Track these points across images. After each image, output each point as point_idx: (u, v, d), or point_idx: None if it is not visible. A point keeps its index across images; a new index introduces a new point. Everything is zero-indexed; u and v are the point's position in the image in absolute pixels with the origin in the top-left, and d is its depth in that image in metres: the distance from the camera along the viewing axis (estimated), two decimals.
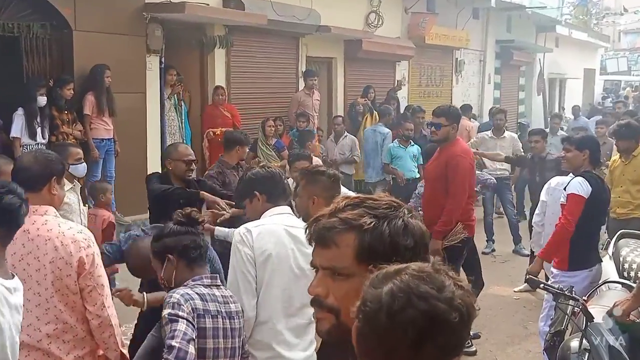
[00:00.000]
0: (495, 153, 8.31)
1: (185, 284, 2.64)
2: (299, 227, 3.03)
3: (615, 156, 6.51)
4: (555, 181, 5.69)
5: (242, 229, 2.96)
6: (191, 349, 2.43)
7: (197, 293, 2.59)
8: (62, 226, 2.76)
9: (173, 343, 2.40)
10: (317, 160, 8.80)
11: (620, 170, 6.16)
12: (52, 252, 2.69)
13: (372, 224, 1.36)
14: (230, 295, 2.73)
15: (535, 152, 7.92)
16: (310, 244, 1.43)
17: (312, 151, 8.83)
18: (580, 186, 4.54)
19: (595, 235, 4.80)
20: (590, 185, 4.55)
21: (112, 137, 7.68)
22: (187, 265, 2.72)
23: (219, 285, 2.71)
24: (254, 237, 2.92)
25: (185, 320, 2.46)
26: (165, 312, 2.48)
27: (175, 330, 2.43)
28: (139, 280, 3.83)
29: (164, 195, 4.60)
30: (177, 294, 2.54)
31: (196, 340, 2.50)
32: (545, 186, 5.80)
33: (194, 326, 2.49)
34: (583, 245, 4.62)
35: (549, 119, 13.41)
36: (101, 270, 2.78)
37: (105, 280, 2.80)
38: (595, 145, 4.81)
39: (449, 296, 1.12)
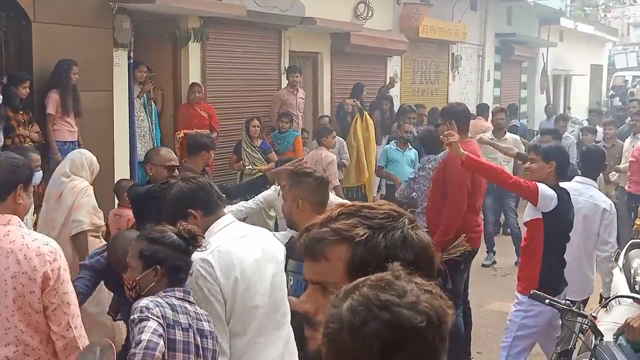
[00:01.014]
0: (507, 147, 8.31)
1: (156, 294, 2.67)
2: (252, 233, 3.07)
3: None
4: None
5: (197, 260, 2.82)
6: (161, 342, 2.46)
7: (167, 303, 2.61)
8: (27, 238, 2.76)
9: (142, 337, 2.44)
10: (330, 157, 8.86)
11: None
12: (14, 266, 2.69)
13: (366, 235, 1.35)
14: (205, 314, 2.73)
15: None
16: (302, 255, 1.43)
17: (327, 147, 8.93)
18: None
19: (562, 258, 4.69)
20: (558, 198, 4.50)
21: (76, 140, 7.65)
22: (168, 283, 2.74)
23: (192, 302, 2.72)
24: (215, 267, 2.83)
25: (155, 321, 2.51)
26: (134, 315, 2.51)
27: (145, 327, 2.47)
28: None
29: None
30: (145, 300, 2.58)
31: (166, 351, 2.51)
32: None
33: (164, 329, 2.52)
34: (554, 269, 4.58)
35: (552, 119, 13.55)
36: (68, 287, 2.79)
37: (72, 297, 2.80)
38: (563, 157, 4.73)
39: (411, 300, 1.12)
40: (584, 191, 5.39)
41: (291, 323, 3.05)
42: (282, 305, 3.04)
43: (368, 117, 10.78)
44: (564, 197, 4.57)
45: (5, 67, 7.35)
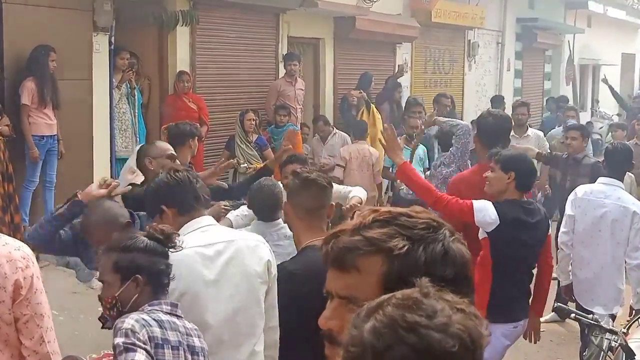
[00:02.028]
0: (526, 147, 8.29)
1: (140, 308, 2.65)
2: (224, 243, 3.06)
3: None
4: (582, 190, 5.61)
5: None
6: None
7: (154, 319, 2.60)
8: None
9: None
10: (376, 152, 8.89)
11: None
12: None
13: (406, 247, 1.34)
14: (195, 328, 2.75)
15: (571, 152, 7.65)
16: (324, 264, 1.41)
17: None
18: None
19: (519, 280, 4.54)
20: (500, 216, 4.33)
21: (53, 133, 7.63)
22: (152, 292, 2.72)
23: (180, 317, 2.72)
24: None
25: (143, 351, 2.48)
26: (119, 340, 2.49)
27: None
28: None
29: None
30: (130, 319, 2.55)
31: None
32: (570, 197, 5.67)
33: (152, 358, 2.51)
34: (508, 292, 4.43)
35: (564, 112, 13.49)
36: (41, 297, 2.78)
37: (45, 309, 2.79)
38: (524, 167, 4.49)
39: (442, 322, 1.10)
40: (610, 193, 5.38)
41: (314, 338, 3.04)
42: (249, 326, 3.07)
43: (375, 110, 10.78)
44: (514, 213, 4.38)
45: None
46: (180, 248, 2.81)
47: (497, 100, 12.69)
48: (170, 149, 4.92)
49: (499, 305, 4.26)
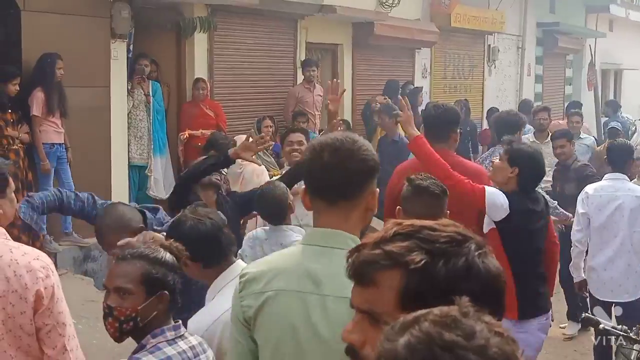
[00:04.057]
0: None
1: (144, 342, 2.59)
2: None
3: None
4: (592, 188, 5.87)
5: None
6: None
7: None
8: (15, 252, 2.76)
9: None
10: None
11: None
12: (2, 284, 2.69)
13: (423, 262, 1.32)
14: (199, 343, 2.71)
15: (564, 159, 7.67)
16: (349, 278, 1.40)
17: None
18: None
19: (538, 272, 4.50)
20: (510, 205, 4.28)
21: (62, 141, 7.64)
22: (167, 312, 2.66)
23: (182, 335, 2.67)
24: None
25: None
26: None
27: None
28: None
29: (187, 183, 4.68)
30: None
31: None
32: (581, 196, 5.91)
33: None
34: (532, 285, 4.41)
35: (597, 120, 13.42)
36: (62, 306, 2.79)
37: (67, 317, 2.80)
38: (530, 166, 4.40)
39: (480, 344, 1.08)
40: (619, 186, 5.75)
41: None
42: None
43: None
44: (522, 203, 4.35)
45: None
46: None
47: (525, 105, 12.65)
48: (208, 181, 5.00)
49: (529, 299, 4.26)
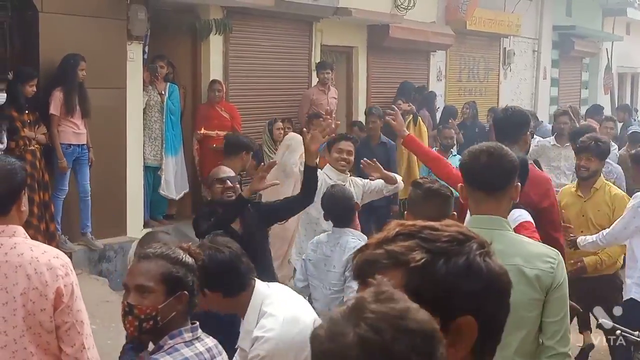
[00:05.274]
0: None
1: (161, 343, 2.61)
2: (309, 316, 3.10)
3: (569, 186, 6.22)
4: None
5: None
6: None
7: None
8: (35, 250, 2.80)
9: None
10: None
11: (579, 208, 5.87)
12: (23, 281, 2.73)
13: (423, 260, 1.33)
14: (215, 345, 2.74)
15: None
16: (354, 279, 1.42)
17: None
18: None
19: None
20: None
21: (82, 142, 7.67)
22: (185, 313, 2.67)
23: (199, 337, 2.69)
24: None
25: None
26: None
27: None
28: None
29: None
30: None
31: None
32: (634, 204, 5.84)
33: None
34: None
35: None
36: (81, 304, 2.82)
37: (85, 316, 2.83)
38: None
39: (416, 306, 1.19)
40: None
41: None
42: None
43: (422, 123, 10.72)
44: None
45: (9, 62, 7.44)
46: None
47: (595, 110, 12.63)
48: (222, 172, 4.95)
49: None
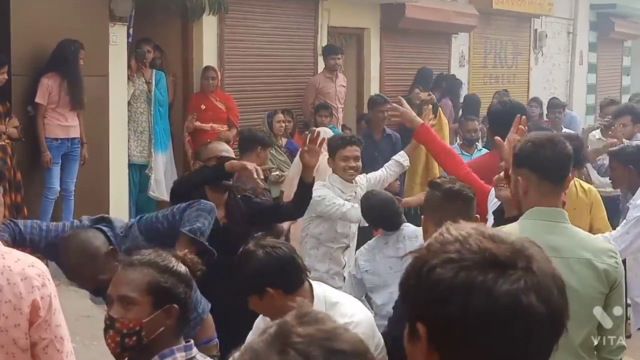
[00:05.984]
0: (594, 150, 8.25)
1: None
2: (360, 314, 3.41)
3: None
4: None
5: None
6: None
7: None
8: (7, 258, 2.79)
9: None
10: None
11: None
12: None
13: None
14: None
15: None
16: None
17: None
18: None
19: None
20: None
21: (72, 136, 7.71)
22: (176, 329, 2.64)
23: (194, 357, 2.66)
24: None
25: None
26: None
27: None
28: None
29: (185, 191, 4.74)
30: None
31: None
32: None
33: None
34: None
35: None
36: (60, 318, 2.82)
37: (65, 331, 2.83)
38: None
39: (342, 325, 1.30)
40: None
41: None
42: None
43: (442, 114, 10.69)
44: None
45: None
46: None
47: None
48: (224, 150, 5.07)
49: None
